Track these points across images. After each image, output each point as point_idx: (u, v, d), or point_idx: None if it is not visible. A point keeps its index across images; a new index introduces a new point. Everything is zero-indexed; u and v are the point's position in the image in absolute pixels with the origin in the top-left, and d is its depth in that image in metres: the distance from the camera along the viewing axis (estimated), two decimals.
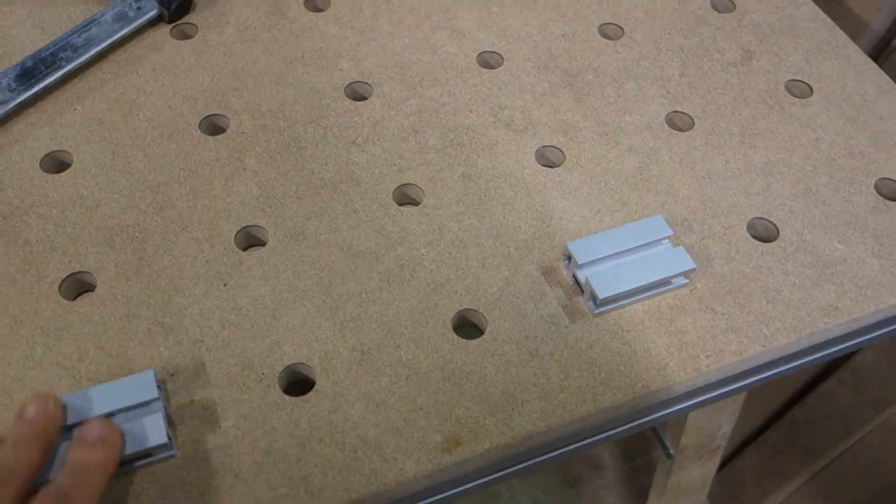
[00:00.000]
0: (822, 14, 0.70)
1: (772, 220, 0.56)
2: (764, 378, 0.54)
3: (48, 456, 0.41)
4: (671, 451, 0.96)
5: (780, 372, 0.54)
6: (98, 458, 0.41)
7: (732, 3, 0.70)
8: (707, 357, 0.50)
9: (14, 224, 0.53)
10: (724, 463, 1.28)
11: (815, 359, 0.54)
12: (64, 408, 0.43)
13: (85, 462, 0.40)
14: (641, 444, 1.38)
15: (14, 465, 0.39)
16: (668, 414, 0.52)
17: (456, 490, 0.48)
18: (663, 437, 0.98)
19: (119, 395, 0.44)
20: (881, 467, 1.04)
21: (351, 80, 0.63)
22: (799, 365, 0.54)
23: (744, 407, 1.02)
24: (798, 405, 1.16)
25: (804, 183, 0.58)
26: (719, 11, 0.70)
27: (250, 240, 0.55)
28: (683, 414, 0.86)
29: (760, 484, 1.24)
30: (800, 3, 0.70)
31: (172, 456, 0.45)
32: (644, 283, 0.51)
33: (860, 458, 1.07)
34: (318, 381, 0.48)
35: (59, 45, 0.61)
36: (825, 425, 1.11)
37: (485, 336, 0.50)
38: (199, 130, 0.59)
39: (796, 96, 0.64)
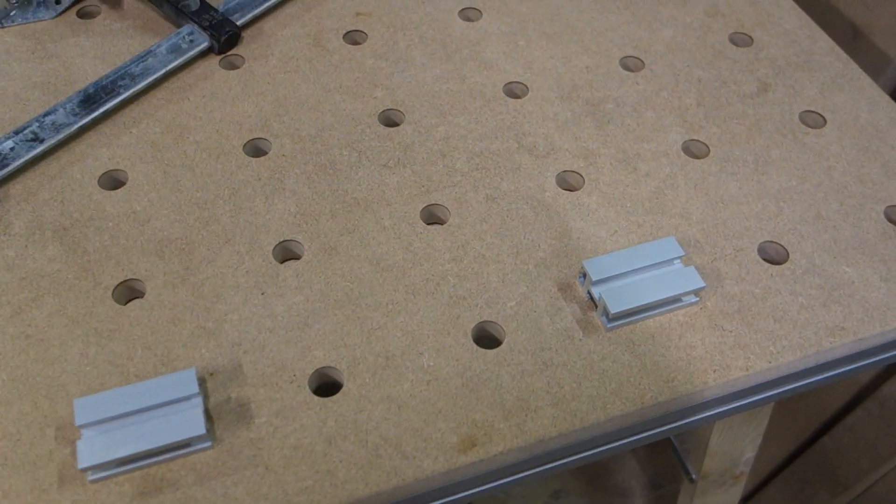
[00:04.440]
0: (837, 48, 0.72)
1: (782, 243, 0.59)
2: (771, 396, 0.56)
3: None
4: (694, 475, 0.97)
5: (787, 390, 0.56)
6: None
7: (750, 37, 0.73)
8: (714, 371, 0.52)
9: (74, 235, 0.58)
10: (751, 494, 1.28)
11: (822, 378, 0.56)
12: None
13: None
14: (668, 471, 1.39)
15: None
16: (679, 426, 0.54)
17: (472, 490, 0.50)
18: (686, 461, 0.99)
19: (163, 390, 0.48)
20: None
21: (385, 108, 0.67)
22: (807, 384, 0.56)
23: (770, 437, 1.02)
24: (826, 436, 1.16)
25: (815, 209, 0.61)
26: (737, 46, 0.73)
27: (287, 253, 0.59)
28: (705, 437, 0.88)
29: None
30: (816, 38, 0.73)
31: (209, 447, 0.48)
32: (655, 299, 0.53)
33: (890, 490, 1.07)
34: (345, 384, 0.51)
35: (119, 73, 0.66)
36: (853, 456, 1.11)
37: (502, 346, 0.53)
38: (243, 152, 0.64)
39: (810, 126, 0.67)
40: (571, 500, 1.35)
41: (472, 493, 0.50)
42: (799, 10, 0.76)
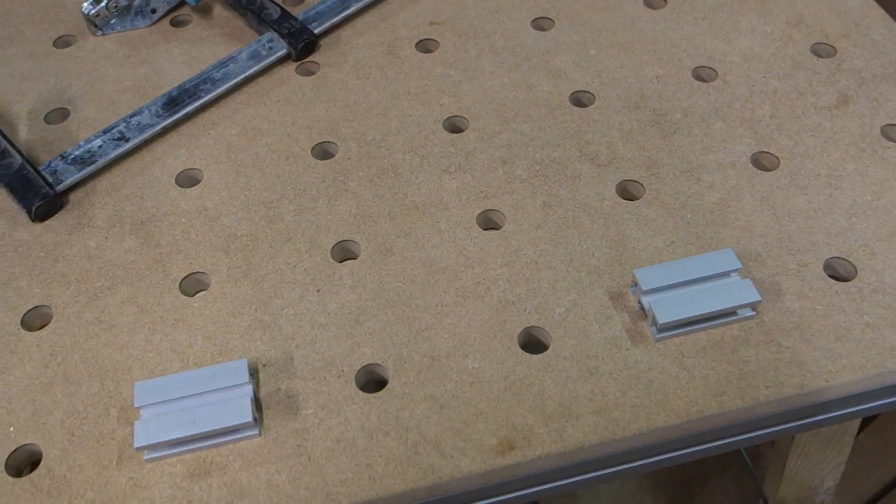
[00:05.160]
0: None
1: (850, 259, 0.56)
2: (828, 419, 0.53)
3: None
4: (769, 502, 0.94)
5: (847, 413, 0.53)
6: None
7: (833, 48, 0.71)
8: (767, 388, 0.51)
9: (150, 229, 0.62)
10: None
11: (886, 403, 0.53)
12: None
13: None
14: (750, 494, 1.33)
15: None
16: (725, 444, 0.52)
17: (509, 495, 0.50)
18: (762, 487, 0.96)
19: (216, 378, 0.51)
20: None
21: (450, 115, 0.68)
22: (869, 408, 0.53)
23: (861, 466, 0.97)
24: None
25: (890, 225, 0.58)
26: (819, 56, 0.70)
27: (345, 253, 0.60)
28: (781, 461, 0.84)
29: None
30: None
31: (257, 435, 0.50)
32: (706, 311, 0.52)
33: None
34: (390, 381, 0.52)
35: (201, 78, 0.70)
36: None
37: (548, 352, 0.53)
38: (311, 155, 0.66)
39: (893, 140, 0.63)
40: None
41: (509, 498, 0.50)
42: (890, 20, 0.73)
